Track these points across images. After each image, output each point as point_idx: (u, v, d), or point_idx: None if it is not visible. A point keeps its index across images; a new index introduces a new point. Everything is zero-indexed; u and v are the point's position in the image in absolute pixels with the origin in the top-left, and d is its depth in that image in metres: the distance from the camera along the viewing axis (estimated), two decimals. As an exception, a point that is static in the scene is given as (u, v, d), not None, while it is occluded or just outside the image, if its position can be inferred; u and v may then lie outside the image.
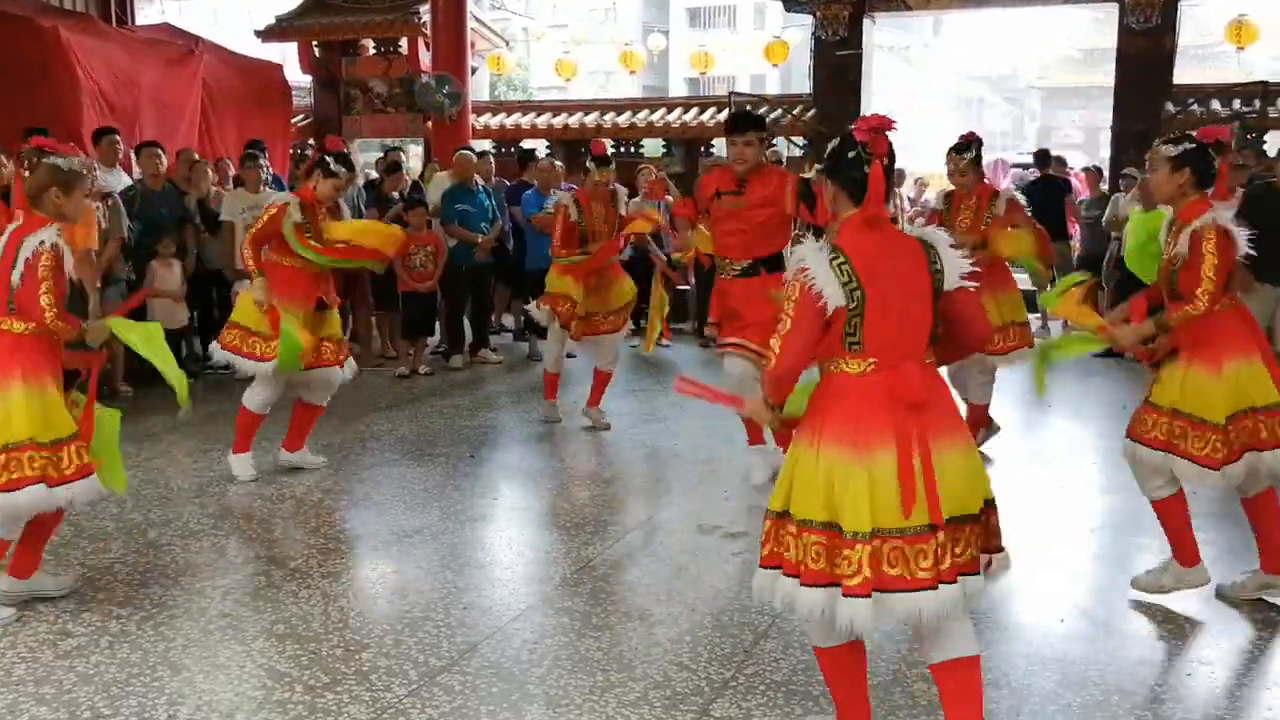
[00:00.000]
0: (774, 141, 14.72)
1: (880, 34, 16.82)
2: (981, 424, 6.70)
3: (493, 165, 11.72)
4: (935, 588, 2.94)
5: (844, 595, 2.95)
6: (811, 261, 3.06)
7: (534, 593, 4.70)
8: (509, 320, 11.84)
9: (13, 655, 4.01)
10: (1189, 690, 3.86)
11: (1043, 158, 13.24)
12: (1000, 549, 3.21)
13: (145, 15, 16.80)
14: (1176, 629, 4.34)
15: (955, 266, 3.15)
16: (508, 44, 19.88)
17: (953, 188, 6.79)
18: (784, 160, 12.16)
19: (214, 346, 6.29)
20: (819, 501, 3.01)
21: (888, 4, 15.00)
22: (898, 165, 9.06)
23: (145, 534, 5.33)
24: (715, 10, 46.09)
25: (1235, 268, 4.39)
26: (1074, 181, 12.61)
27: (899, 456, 2.97)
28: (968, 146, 6.63)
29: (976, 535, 3.08)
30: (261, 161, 9.64)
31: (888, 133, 3.16)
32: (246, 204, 9.21)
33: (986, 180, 6.98)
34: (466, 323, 10.23)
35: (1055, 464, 6.70)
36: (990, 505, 3.17)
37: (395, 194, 10.13)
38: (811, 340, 3.09)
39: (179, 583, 4.67)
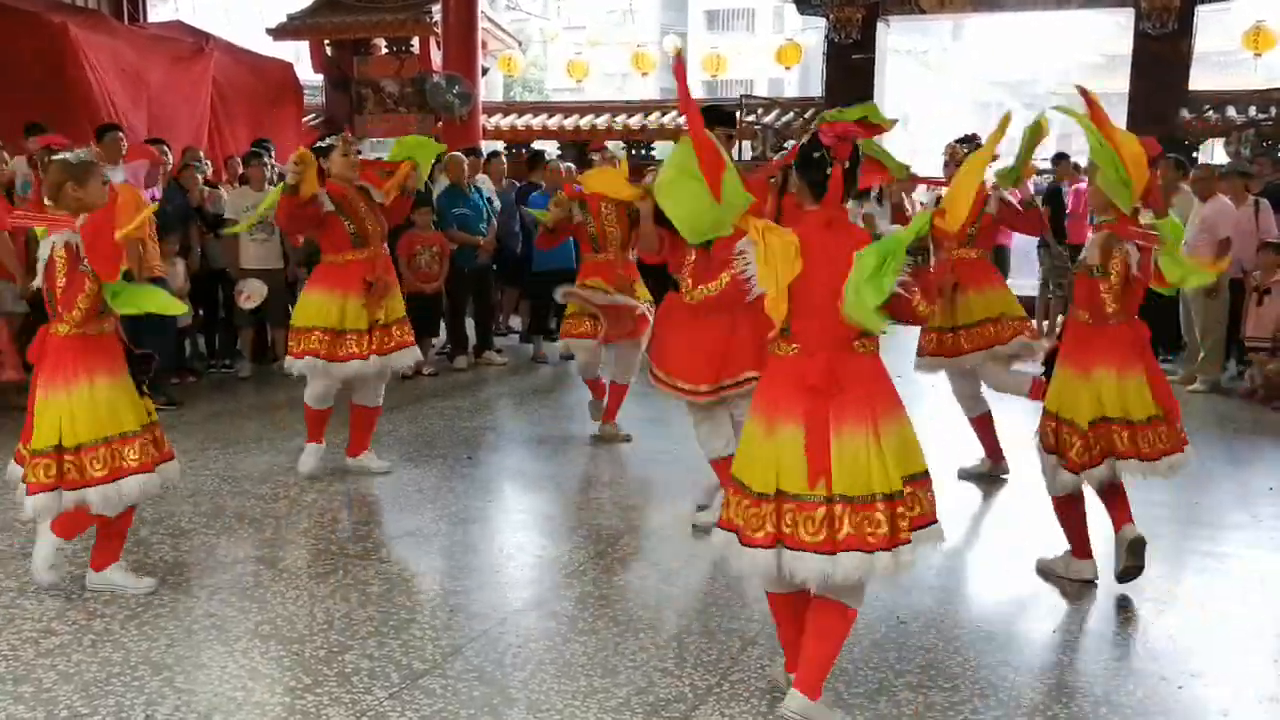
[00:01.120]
0: (785, 145, 14.68)
1: (898, 38, 16.79)
2: (992, 454, 6.46)
3: (505, 166, 11.71)
4: (833, 554, 3.25)
5: (740, 543, 3.39)
6: (749, 248, 3.38)
7: (522, 596, 4.67)
8: (515, 322, 11.83)
9: (-6, 653, 4.00)
10: (1179, 703, 3.80)
11: (1059, 160, 13.14)
12: (933, 522, 3.42)
13: (158, 13, 16.88)
14: (1167, 642, 4.29)
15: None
16: (520, 45, 19.87)
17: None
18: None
19: (289, 361, 6.13)
20: (751, 467, 3.40)
21: (902, 7, 14.97)
22: (912, 171, 8.94)
23: (136, 532, 5.27)
24: (734, 12, 46.04)
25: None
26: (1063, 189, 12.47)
27: (806, 434, 3.29)
28: (969, 139, 6.54)
29: (885, 513, 3.28)
30: (266, 160, 9.65)
31: (854, 140, 3.44)
32: (250, 202, 9.21)
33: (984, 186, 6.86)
34: (470, 324, 10.20)
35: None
36: (919, 477, 3.39)
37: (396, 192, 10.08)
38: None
39: (166, 581, 4.64)
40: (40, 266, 4.27)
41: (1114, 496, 4.72)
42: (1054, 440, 4.63)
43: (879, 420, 3.32)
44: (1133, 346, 4.57)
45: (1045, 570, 4.91)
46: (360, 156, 6.26)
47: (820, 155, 3.41)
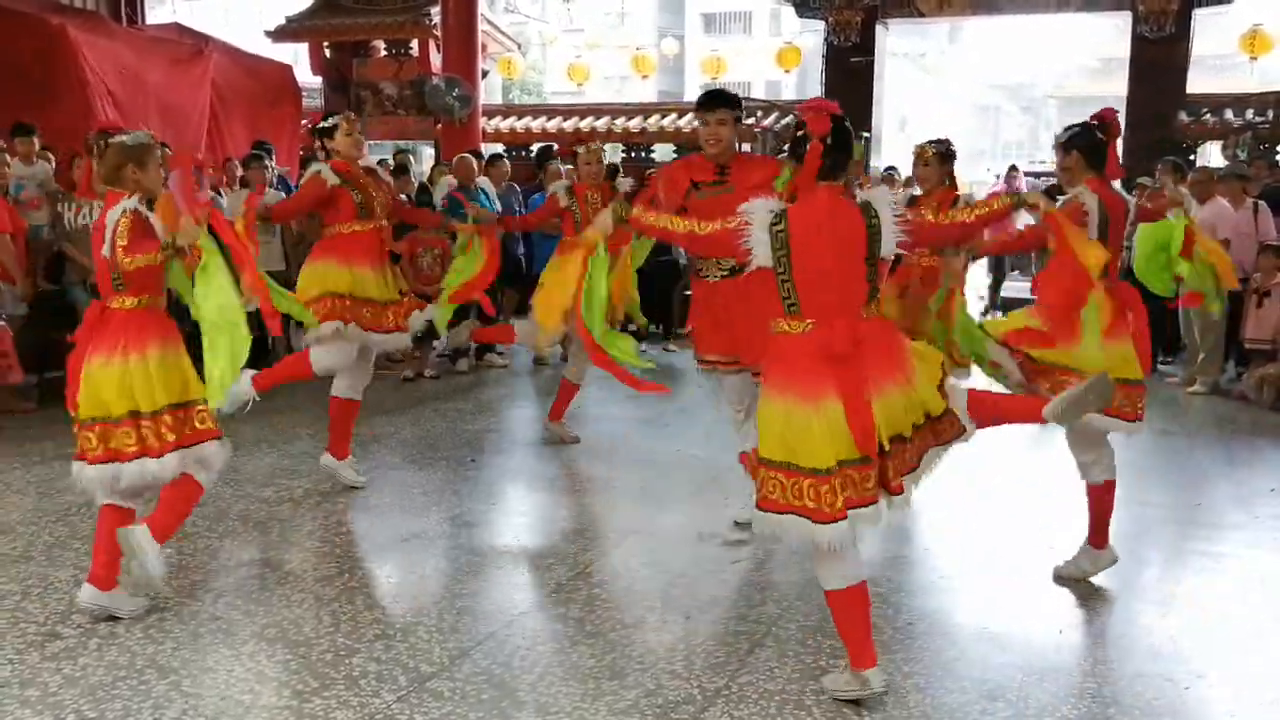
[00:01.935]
0: (783, 148, 14.68)
1: (896, 41, 16.81)
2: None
3: (508, 168, 11.70)
4: (877, 501, 3.51)
5: (816, 523, 3.44)
6: (756, 218, 3.51)
7: (529, 599, 4.67)
8: (517, 324, 11.81)
9: None
10: (1185, 704, 3.81)
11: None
12: (963, 429, 3.73)
13: (156, 14, 16.87)
14: (1171, 643, 4.29)
15: (891, 234, 3.57)
16: (520, 47, 19.88)
17: (917, 192, 6.58)
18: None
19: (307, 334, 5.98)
20: (778, 446, 3.49)
21: (900, 10, 14.99)
22: (906, 174, 8.86)
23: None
24: (730, 15, 46.04)
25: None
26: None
27: (845, 403, 3.42)
28: (940, 141, 6.42)
29: (915, 447, 3.59)
30: (267, 163, 9.63)
31: (831, 114, 3.57)
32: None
33: (953, 189, 6.54)
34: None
35: (1057, 474, 6.62)
36: (940, 390, 3.63)
37: (403, 196, 10.09)
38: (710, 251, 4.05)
39: (171, 585, 4.62)
40: (108, 238, 4.18)
41: None
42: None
43: (908, 369, 3.57)
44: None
45: (1069, 576, 4.86)
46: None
47: (803, 134, 3.59)
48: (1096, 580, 4.92)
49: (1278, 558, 5.36)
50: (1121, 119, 14.75)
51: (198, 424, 4.31)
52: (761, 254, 3.50)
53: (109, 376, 4.18)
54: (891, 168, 13.66)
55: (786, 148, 3.71)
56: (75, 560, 4.97)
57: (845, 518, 3.44)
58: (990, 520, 5.74)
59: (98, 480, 4.28)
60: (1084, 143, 4.59)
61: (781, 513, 3.51)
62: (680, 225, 3.81)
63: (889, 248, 3.59)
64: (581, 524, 5.66)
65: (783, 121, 15.46)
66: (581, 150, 7.19)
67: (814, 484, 3.44)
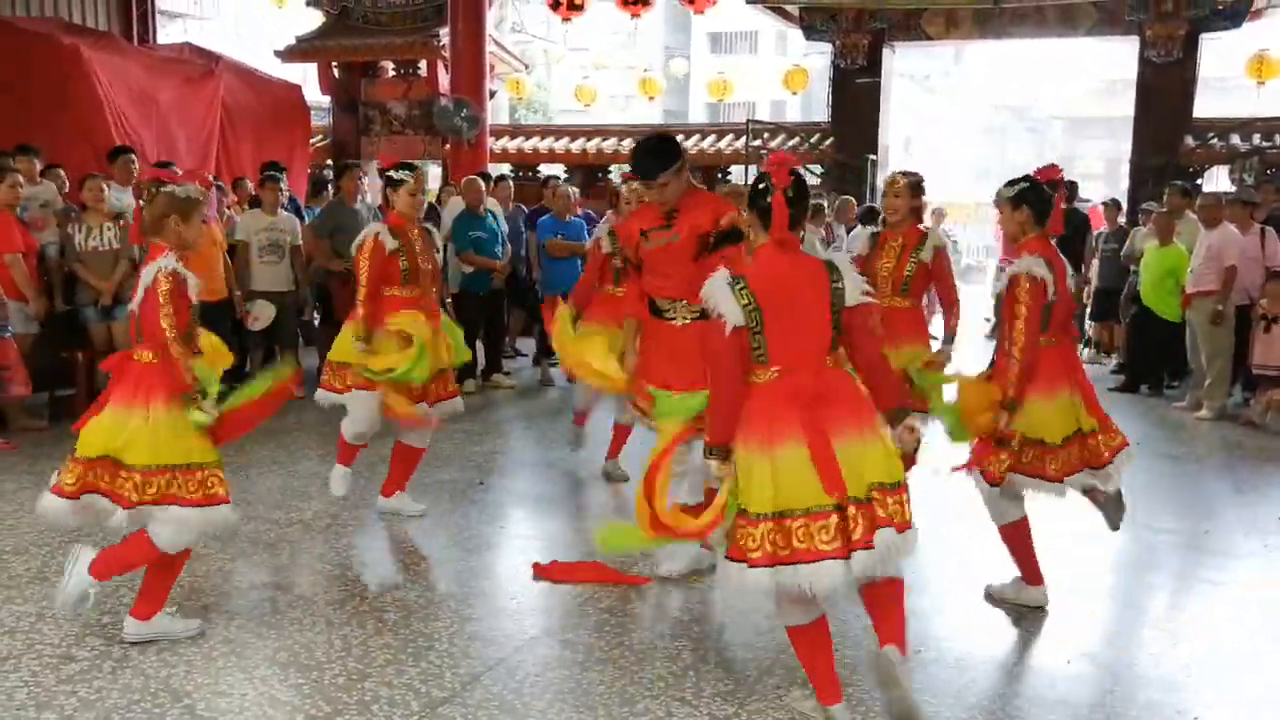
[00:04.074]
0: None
1: (901, 62, 16.87)
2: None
3: (511, 189, 11.74)
4: (840, 558, 3.40)
5: (748, 567, 3.46)
6: (716, 291, 3.54)
7: (538, 624, 4.68)
8: (523, 345, 11.86)
9: (15, 679, 4.00)
10: (1196, 737, 3.82)
11: (1071, 190, 13.16)
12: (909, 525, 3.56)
13: (167, 34, 16.97)
14: (1181, 673, 4.30)
15: (855, 285, 3.61)
16: (527, 67, 19.95)
17: (881, 221, 6.31)
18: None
19: (319, 394, 5.97)
20: (749, 491, 3.50)
21: (907, 34, 15.05)
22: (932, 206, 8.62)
23: (152, 556, 5.32)
24: (737, 36, 46.16)
25: (1052, 310, 4.59)
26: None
27: (810, 448, 3.43)
28: (912, 173, 6.17)
29: (895, 500, 3.49)
30: (281, 184, 9.68)
31: (793, 168, 3.64)
32: (262, 225, 9.27)
33: (922, 226, 6.22)
34: (480, 347, 10.24)
35: (1065, 501, 6.63)
36: (894, 487, 3.52)
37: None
38: (735, 364, 3.56)
39: (184, 608, 4.63)
40: (141, 292, 4.21)
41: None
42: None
43: (870, 424, 3.56)
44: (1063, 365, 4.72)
45: (996, 596, 4.97)
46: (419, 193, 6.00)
47: (765, 185, 3.62)
48: (1105, 608, 4.94)
49: (1287, 587, 5.37)
50: (1127, 144, 14.76)
51: (202, 489, 4.24)
52: (734, 318, 3.51)
53: (115, 422, 4.21)
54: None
55: (749, 198, 3.73)
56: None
57: (770, 565, 3.44)
58: (994, 550, 5.72)
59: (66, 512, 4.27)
60: (1034, 199, 4.63)
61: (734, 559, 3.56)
62: (720, 387, 3.66)
63: (853, 300, 3.61)
64: (590, 548, 5.65)
65: (788, 144, 15.53)
66: (625, 189, 6.86)
67: (748, 526, 3.48)
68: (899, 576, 3.66)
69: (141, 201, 4.38)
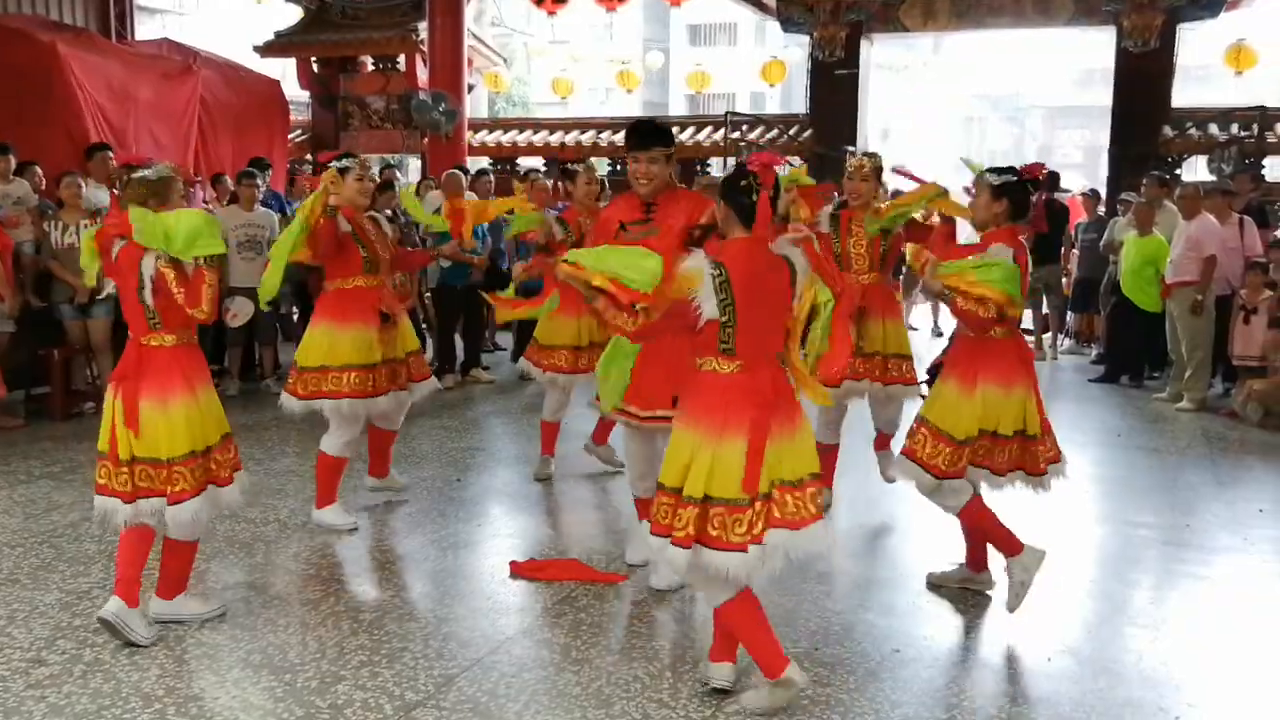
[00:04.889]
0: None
1: (879, 53, 16.84)
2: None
3: (492, 184, 11.68)
4: (746, 550, 3.55)
5: (671, 544, 3.62)
6: (698, 278, 3.55)
7: (515, 624, 4.63)
8: (503, 339, 11.81)
9: (-17, 685, 3.95)
10: (1176, 733, 3.81)
11: (1053, 180, 13.14)
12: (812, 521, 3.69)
13: (146, 30, 16.84)
14: (1163, 669, 4.28)
15: (803, 280, 3.69)
16: (506, 61, 19.89)
17: (840, 202, 6.15)
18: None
19: (286, 398, 5.78)
20: (679, 472, 3.64)
21: (885, 25, 15.03)
22: (893, 187, 8.79)
23: (125, 558, 5.26)
24: (716, 27, 46.09)
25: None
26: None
27: (749, 445, 3.55)
28: (875, 155, 6.21)
29: (813, 493, 3.66)
30: (259, 181, 9.60)
31: (776, 168, 3.72)
32: (239, 221, 9.19)
33: (880, 204, 6.17)
34: (459, 342, 10.19)
35: (1046, 493, 6.62)
36: (815, 478, 3.70)
37: (387, 211, 10.06)
38: (672, 328, 3.69)
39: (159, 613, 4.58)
40: (148, 280, 4.25)
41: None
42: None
43: (799, 420, 3.73)
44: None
45: (940, 582, 5.02)
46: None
47: (748, 183, 3.67)
48: (1086, 604, 4.93)
49: (1269, 582, 5.37)
50: (1106, 133, 14.78)
51: (222, 470, 4.44)
52: (709, 307, 3.56)
53: (173, 418, 4.27)
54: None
55: (722, 191, 3.75)
56: (61, 583, 4.94)
57: (688, 545, 3.59)
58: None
59: (149, 514, 4.34)
60: (1017, 195, 4.61)
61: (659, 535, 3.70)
62: (628, 322, 3.69)
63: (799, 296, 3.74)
64: (566, 546, 5.62)
65: (768, 136, 15.50)
66: (582, 169, 6.98)
67: (676, 506, 3.64)
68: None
69: (116, 191, 4.42)
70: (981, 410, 4.58)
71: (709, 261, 3.60)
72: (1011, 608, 4.64)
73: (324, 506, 5.84)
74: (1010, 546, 4.68)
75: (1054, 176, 13.24)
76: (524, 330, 10.53)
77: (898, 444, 6.19)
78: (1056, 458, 4.78)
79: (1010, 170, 4.69)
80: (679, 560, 3.63)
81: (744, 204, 3.68)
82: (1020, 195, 4.60)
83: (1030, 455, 4.71)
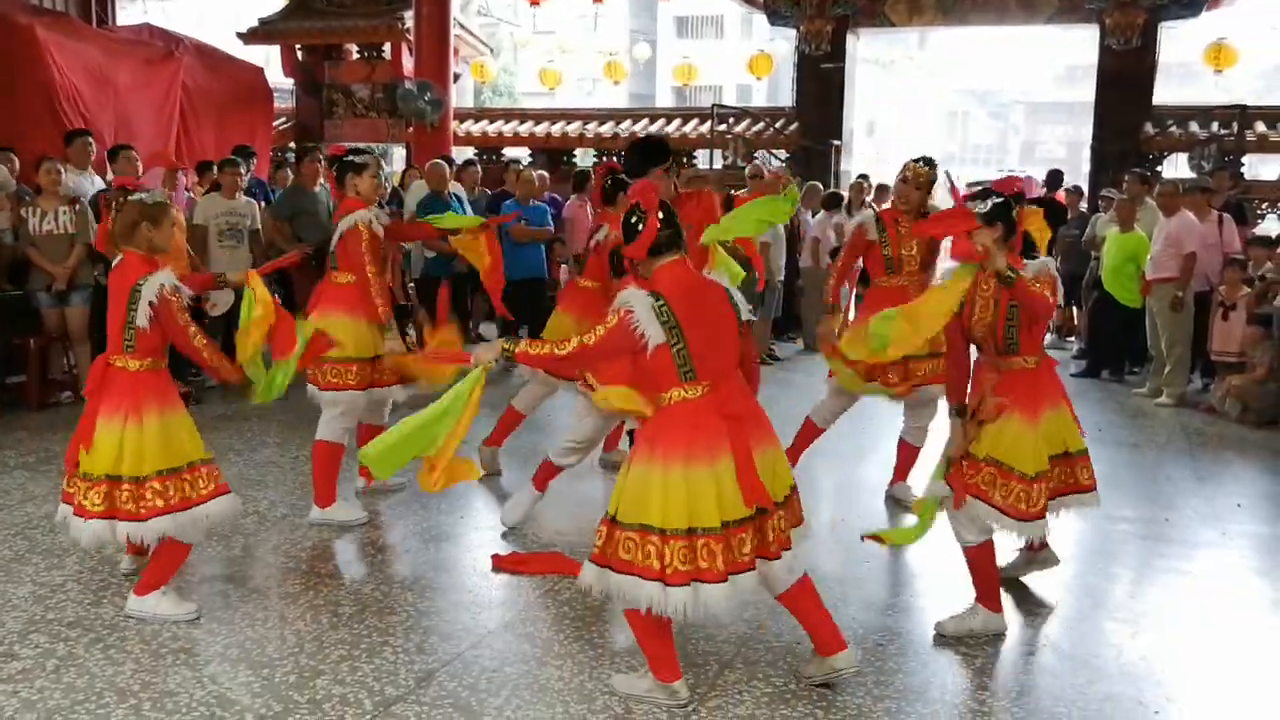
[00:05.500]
0: (755, 154, 14.69)
1: (865, 47, 16.86)
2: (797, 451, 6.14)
3: (479, 174, 11.64)
4: (754, 569, 3.65)
5: (705, 584, 3.55)
6: (637, 305, 3.61)
7: (496, 618, 4.61)
8: (487, 330, 11.77)
9: (-44, 678, 3.91)
10: (1156, 730, 3.81)
11: (1055, 179, 13.15)
12: (801, 521, 3.93)
13: (127, 15, 16.71)
14: (1142, 664, 4.29)
15: (744, 304, 3.83)
16: (492, 51, 19.82)
17: (884, 207, 6.10)
18: (763, 175, 12.06)
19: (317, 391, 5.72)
20: (682, 512, 3.55)
21: (871, 20, 15.04)
22: (878, 181, 8.70)
23: (102, 550, 5.20)
24: (702, 20, 46.06)
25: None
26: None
27: (737, 461, 3.60)
28: (932, 162, 5.92)
29: (783, 518, 3.78)
30: (242, 169, 9.52)
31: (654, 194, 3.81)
32: (220, 209, 9.11)
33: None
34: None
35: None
36: (793, 490, 3.88)
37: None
38: (603, 359, 3.85)
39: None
40: (143, 305, 4.29)
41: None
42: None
43: (773, 437, 3.85)
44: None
45: (957, 631, 4.49)
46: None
47: (636, 219, 3.76)
48: (1066, 599, 4.93)
49: (1247, 576, 5.39)
50: (1088, 129, 14.79)
51: (200, 488, 4.41)
52: (655, 334, 3.59)
53: (109, 437, 4.30)
54: (863, 175, 13.68)
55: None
56: (34, 575, 4.89)
57: (726, 580, 3.57)
58: (950, 536, 5.71)
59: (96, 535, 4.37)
60: (1006, 215, 4.35)
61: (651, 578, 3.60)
62: (564, 348, 3.78)
63: (745, 315, 3.83)
64: (549, 540, 5.60)
65: (754, 129, 15.48)
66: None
67: (707, 544, 3.57)
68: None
69: (112, 211, 4.46)
70: (1046, 439, 4.40)
71: (644, 293, 3.65)
72: (939, 628, 4.50)
73: (327, 505, 5.75)
74: (994, 602, 4.51)
75: (1057, 175, 13.31)
76: (508, 322, 10.51)
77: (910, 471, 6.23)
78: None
79: (990, 192, 4.45)
80: (715, 597, 3.57)
81: (632, 232, 3.77)
82: (1007, 214, 4.36)
83: (1074, 471, 4.56)
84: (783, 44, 20.70)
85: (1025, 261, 4.34)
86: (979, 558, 4.49)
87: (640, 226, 3.73)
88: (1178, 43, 16.08)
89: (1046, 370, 4.50)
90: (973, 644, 4.43)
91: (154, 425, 4.32)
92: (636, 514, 3.63)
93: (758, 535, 3.67)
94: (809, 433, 6.27)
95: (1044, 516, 4.35)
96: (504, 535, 5.66)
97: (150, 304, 4.28)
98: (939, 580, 5.08)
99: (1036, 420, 4.35)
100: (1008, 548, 5.01)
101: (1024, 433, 4.33)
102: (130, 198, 4.44)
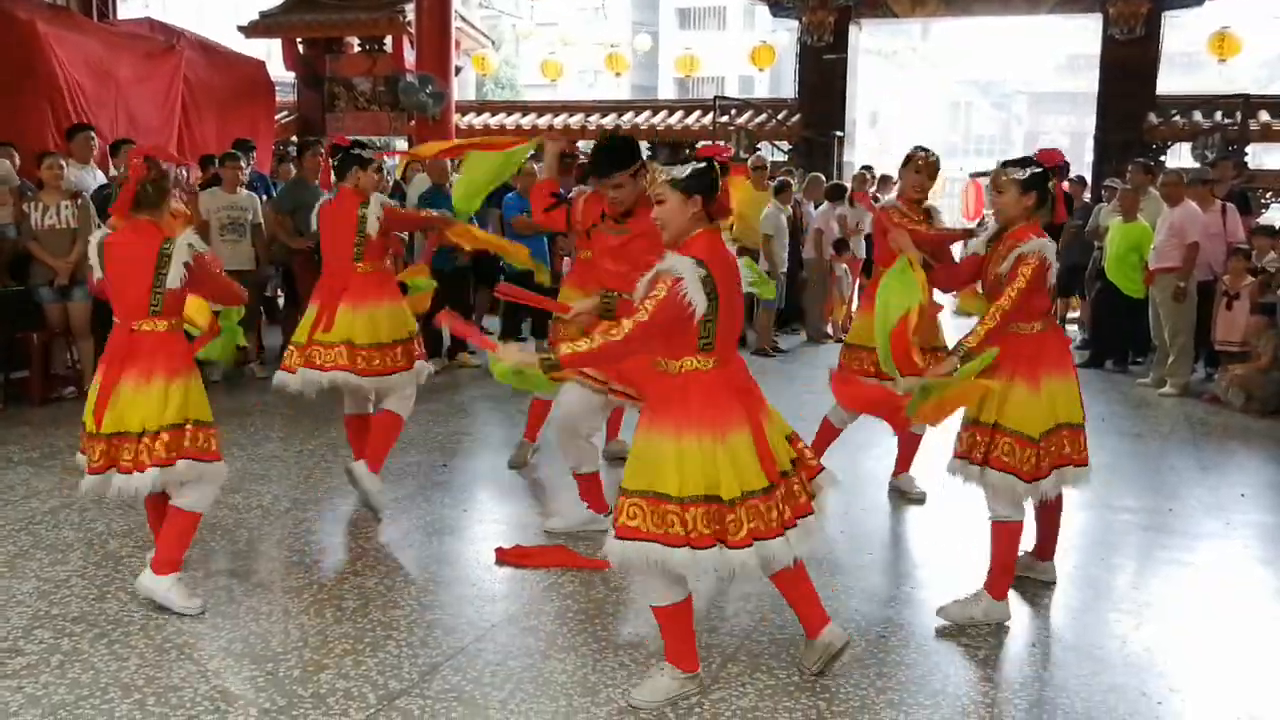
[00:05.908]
0: (758, 146, 14.67)
1: (867, 38, 16.84)
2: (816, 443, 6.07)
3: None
4: (784, 534, 3.63)
5: (729, 549, 3.56)
6: (685, 273, 3.50)
7: (500, 611, 4.61)
8: (489, 324, 11.76)
9: (-39, 673, 3.92)
10: (1158, 719, 3.81)
11: (1064, 170, 13.09)
12: (821, 469, 3.95)
13: (128, 8, 16.69)
14: (1145, 655, 4.29)
15: (746, 278, 3.87)
16: (494, 43, 19.80)
17: (888, 199, 6.09)
18: (768, 165, 12.06)
19: (277, 376, 5.78)
20: (700, 480, 3.53)
21: (874, 10, 15.02)
22: (880, 171, 8.70)
23: (105, 545, 5.23)
24: (705, 11, 46.00)
25: (1047, 295, 4.56)
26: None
27: (752, 431, 3.61)
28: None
29: (797, 482, 3.77)
30: (243, 163, 9.52)
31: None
32: (222, 203, 9.11)
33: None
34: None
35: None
36: (793, 437, 3.86)
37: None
38: (661, 337, 3.59)
39: (137, 597, 4.56)
40: (175, 266, 4.38)
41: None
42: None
43: (766, 403, 3.81)
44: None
45: (958, 620, 4.49)
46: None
47: (715, 177, 3.68)
48: (1069, 590, 4.93)
49: (1251, 567, 5.38)
50: (1091, 119, 14.79)
51: (199, 444, 4.46)
52: (700, 303, 3.51)
53: (147, 397, 4.37)
54: (867, 167, 13.67)
55: (684, 179, 3.65)
56: (39, 571, 4.90)
57: (751, 545, 3.57)
58: (959, 532, 5.72)
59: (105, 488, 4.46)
60: (1042, 185, 4.44)
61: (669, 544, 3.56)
62: (616, 333, 3.59)
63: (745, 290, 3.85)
64: (555, 532, 5.60)
65: (756, 120, 15.47)
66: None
67: (720, 511, 3.56)
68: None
69: (148, 180, 4.45)
70: (1049, 404, 4.43)
71: (690, 260, 3.53)
72: (941, 613, 4.52)
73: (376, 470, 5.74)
74: (1001, 589, 4.51)
75: (1065, 167, 13.26)
76: (509, 315, 10.52)
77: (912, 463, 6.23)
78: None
79: (1031, 161, 4.55)
80: (747, 561, 3.57)
81: (713, 196, 3.67)
82: (1044, 185, 4.47)
83: (1075, 445, 4.55)
84: (785, 35, 20.64)
85: (1031, 236, 4.40)
86: (1005, 535, 4.51)
87: (717, 190, 3.67)
88: (1181, 32, 16.05)
89: (1052, 339, 4.53)
90: (975, 635, 4.43)
91: (196, 381, 4.50)
92: (649, 481, 3.58)
93: (787, 499, 3.68)
94: (827, 434, 6.26)
95: (1048, 477, 4.43)
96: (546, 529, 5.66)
97: (185, 264, 4.39)
98: (941, 572, 5.09)
99: (1037, 387, 4.41)
100: (932, 544, 5.18)
101: (1028, 398, 4.40)
102: (165, 167, 4.55)
